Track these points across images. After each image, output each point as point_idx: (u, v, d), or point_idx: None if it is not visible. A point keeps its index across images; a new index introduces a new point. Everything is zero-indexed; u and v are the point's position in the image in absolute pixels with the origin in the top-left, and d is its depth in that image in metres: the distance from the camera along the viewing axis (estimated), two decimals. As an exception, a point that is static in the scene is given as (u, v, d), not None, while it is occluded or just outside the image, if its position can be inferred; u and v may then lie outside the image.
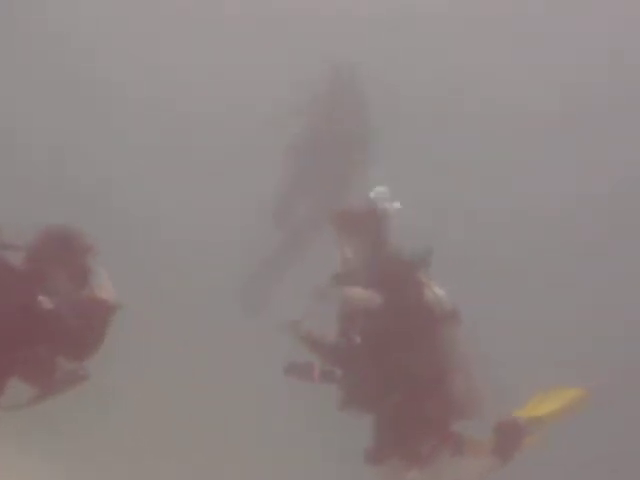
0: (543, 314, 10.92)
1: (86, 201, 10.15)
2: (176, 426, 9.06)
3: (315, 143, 9.89)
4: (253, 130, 10.32)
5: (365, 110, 9.87)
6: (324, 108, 9.87)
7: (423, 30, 11.88)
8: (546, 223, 11.94)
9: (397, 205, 5.17)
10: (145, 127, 11.64)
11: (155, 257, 10.63)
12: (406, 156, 10.75)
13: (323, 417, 5.59)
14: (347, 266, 4.96)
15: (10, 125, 11.20)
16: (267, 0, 12.17)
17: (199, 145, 11.68)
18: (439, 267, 5.03)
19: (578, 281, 11.34)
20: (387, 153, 9.79)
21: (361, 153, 9.86)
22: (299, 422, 8.83)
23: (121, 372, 8.60)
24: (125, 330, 4.64)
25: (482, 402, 4.87)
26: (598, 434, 9.31)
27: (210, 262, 10.59)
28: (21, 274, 4.28)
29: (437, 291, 4.85)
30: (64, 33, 11.86)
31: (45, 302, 4.15)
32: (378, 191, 5.23)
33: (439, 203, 11.33)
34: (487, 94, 12.02)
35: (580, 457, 9.05)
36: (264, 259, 10.32)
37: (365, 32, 11.17)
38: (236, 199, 10.76)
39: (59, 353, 4.27)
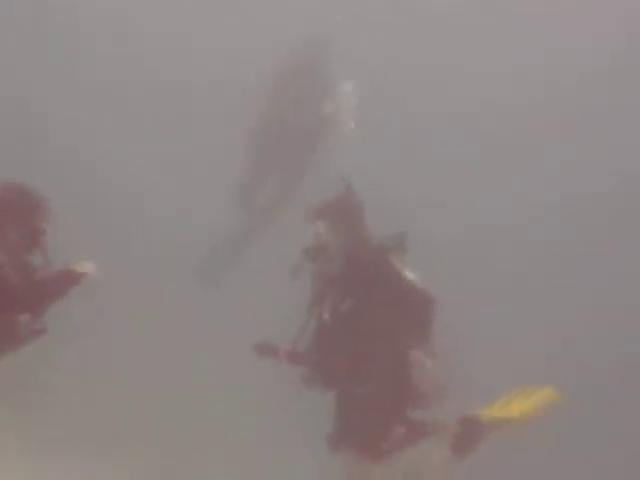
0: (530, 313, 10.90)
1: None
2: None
3: (277, 125, 9.76)
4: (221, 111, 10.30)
5: (330, 93, 9.70)
6: (287, 90, 9.73)
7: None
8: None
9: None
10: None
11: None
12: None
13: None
14: (320, 241, 4.94)
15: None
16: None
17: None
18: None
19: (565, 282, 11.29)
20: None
21: (326, 135, 9.76)
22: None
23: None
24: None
25: (445, 392, 4.84)
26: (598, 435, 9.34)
27: (172, 239, 10.66)
28: None
29: (410, 276, 4.82)
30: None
31: None
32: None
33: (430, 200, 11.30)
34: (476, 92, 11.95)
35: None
36: (227, 237, 10.30)
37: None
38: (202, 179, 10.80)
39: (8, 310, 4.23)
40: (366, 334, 4.70)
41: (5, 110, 10.82)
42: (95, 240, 9.14)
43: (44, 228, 4.40)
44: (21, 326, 4.32)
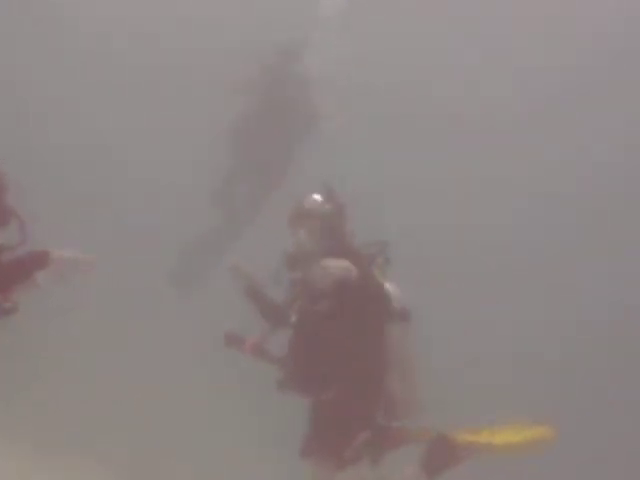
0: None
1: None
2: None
3: (257, 123, 9.65)
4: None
5: (310, 90, 9.56)
6: (268, 87, 9.58)
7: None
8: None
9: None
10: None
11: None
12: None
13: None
14: (300, 249, 4.82)
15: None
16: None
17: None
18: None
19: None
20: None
21: (306, 132, 9.61)
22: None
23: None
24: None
25: (415, 405, 4.71)
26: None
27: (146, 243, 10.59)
28: None
29: (390, 288, 4.73)
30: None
31: None
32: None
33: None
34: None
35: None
36: (202, 238, 10.21)
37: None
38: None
39: None
40: (337, 340, 4.61)
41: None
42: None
43: (10, 205, 4.25)
44: None
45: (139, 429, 8.75)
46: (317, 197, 4.90)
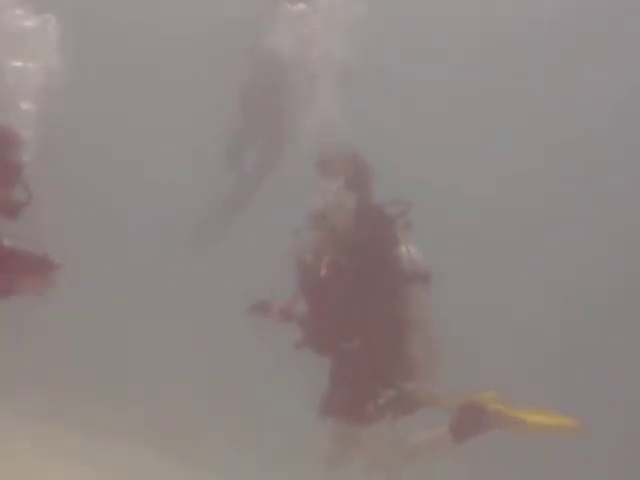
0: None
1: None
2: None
3: (262, 86, 9.62)
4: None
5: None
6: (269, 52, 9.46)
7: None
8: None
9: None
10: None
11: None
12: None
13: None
14: (326, 207, 4.84)
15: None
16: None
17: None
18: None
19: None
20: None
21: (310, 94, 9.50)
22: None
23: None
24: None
25: (437, 366, 4.78)
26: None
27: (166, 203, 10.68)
28: None
29: (411, 250, 4.76)
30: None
31: None
32: None
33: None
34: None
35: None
36: (218, 202, 10.27)
37: None
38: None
39: None
40: (360, 296, 4.68)
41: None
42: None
43: (22, 160, 4.28)
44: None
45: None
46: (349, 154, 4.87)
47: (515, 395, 4.95)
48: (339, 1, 8.76)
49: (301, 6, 9.06)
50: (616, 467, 9.26)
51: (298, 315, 4.87)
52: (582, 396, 9.14)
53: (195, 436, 8.92)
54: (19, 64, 4.90)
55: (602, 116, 12.05)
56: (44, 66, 4.98)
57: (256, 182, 9.97)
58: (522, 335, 10.78)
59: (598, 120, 12.00)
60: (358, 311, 4.67)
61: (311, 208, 4.86)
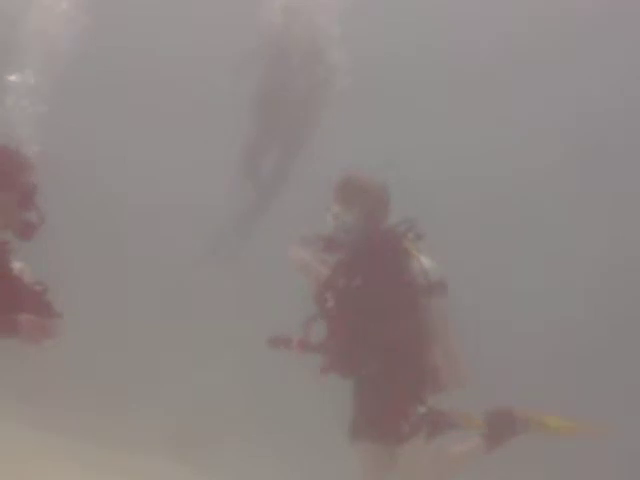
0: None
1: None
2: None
3: (277, 91, 9.66)
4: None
5: (326, 54, 9.57)
6: (283, 55, 9.59)
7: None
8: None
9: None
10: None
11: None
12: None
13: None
14: (336, 223, 4.80)
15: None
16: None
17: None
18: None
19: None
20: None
21: (325, 99, 9.61)
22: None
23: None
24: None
25: (461, 376, 4.76)
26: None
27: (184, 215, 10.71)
28: None
29: (424, 261, 4.75)
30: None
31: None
32: None
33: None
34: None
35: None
36: (237, 211, 10.26)
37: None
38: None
39: None
40: (377, 316, 4.65)
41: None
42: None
43: (35, 184, 4.36)
44: None
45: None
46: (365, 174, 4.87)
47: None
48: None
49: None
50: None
51: (317, 343, 4.84)
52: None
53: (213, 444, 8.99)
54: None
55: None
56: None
57: (274, 189, 9.96)
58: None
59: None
60: (377, 330, 4.65)
61: (321, 229, 4.84)
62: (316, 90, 9.58)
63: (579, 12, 11.64)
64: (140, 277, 10.59)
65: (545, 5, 11.98)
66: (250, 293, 10.23)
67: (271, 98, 9.64)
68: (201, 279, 10.24)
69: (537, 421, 4.92)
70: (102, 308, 9.80)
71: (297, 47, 9.53)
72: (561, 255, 11.26)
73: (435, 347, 4.74)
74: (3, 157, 4.35)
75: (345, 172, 4.91)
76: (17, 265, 4.37)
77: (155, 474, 7.99)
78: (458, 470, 4.95)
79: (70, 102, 9.11)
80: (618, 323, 10.58)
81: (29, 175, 4.37)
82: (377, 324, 4.64)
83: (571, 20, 11.67)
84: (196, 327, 10.06)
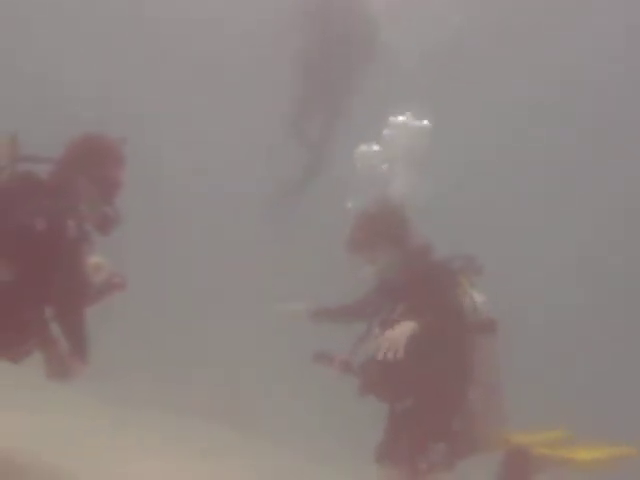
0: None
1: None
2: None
3: (318, 55, 9.69)
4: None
5: (366, 18, 9.54)
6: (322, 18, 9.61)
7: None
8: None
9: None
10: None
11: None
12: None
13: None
14: (381, 275, 4.78)
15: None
16: None
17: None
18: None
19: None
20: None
21: (366, 62, 9.64)
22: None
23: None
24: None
25: (497, 419, 4.70)
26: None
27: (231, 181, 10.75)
28: (50, 187, 4.30)
29: (477, 299, 4.68)
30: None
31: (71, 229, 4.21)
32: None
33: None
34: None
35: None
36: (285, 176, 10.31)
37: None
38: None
39: None
40: (424, 350, 4.48)
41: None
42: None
43: (121, 178, 4.44)
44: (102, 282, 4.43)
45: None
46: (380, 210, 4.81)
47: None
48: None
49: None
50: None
51: (358, 366, 4.80)
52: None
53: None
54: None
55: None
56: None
57: (321, 152, 9.96)
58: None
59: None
60: (420, 364, 4.51)
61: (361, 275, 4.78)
62: (357, 51, 9.57)
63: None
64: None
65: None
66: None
67: (315, 59, 9.68)
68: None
69: (562, 460, 4.76)
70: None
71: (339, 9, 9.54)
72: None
73: (475, 385, 4.63)
74: (99, 148, 4.41)
75: (351, 223, 4.81)
76: (94, 260, 4.42)
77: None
78: None
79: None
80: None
81: (118, 170, 4.43)
82: (422, 357, 4.49)
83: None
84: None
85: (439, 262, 4.76)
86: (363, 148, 5.49)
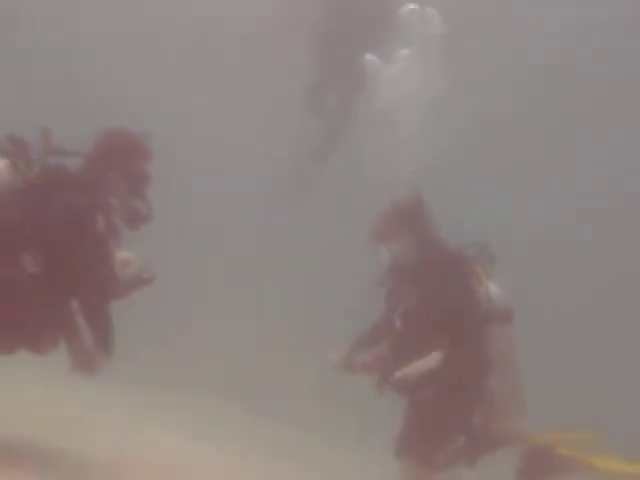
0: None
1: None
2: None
3: (336, 25, 9.72)
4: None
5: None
6: None
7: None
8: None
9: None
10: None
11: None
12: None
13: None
14: (394, 261, 4.88)
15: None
16: None
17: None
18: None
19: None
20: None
21: (384, 34, 9.55)
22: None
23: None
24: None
25: (516, 410, 4.73)
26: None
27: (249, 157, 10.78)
28: (81, 181, 4.34)
29: (491, 289, 4.72)
30: None
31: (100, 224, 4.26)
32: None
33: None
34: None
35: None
36: (303, 150, 10.33)
37: None
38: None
39: None
40: (439, 341, 4.59)
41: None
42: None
43: (149, 173, 4.49)
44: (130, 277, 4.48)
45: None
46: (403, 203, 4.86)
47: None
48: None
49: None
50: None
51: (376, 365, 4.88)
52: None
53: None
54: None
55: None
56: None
57: (340, 125, 9.93)
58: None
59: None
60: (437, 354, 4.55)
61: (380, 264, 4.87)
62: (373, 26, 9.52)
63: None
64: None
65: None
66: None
67: (332, 34, 9.70)
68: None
69: (583, 465, 4.77)
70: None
71: None
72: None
73: (495, 376, 4.65)
74: (128, 143, 4.47)
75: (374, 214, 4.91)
76: (123, 254, 4.47)
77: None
78: None
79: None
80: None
81: (145, 164, 4.48)
82: (439, 347, 4.54)
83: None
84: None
85: (454, 251, 4.81)
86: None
